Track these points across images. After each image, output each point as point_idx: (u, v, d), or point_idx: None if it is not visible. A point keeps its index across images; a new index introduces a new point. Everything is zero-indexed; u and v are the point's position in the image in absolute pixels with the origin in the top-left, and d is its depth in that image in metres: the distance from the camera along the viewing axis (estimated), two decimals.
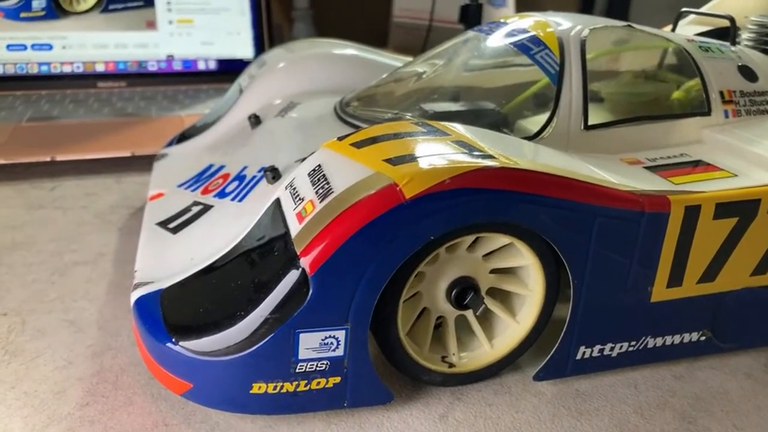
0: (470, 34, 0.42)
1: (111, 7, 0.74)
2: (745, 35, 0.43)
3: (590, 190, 0.26)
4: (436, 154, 0.25)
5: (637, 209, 0.26)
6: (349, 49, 0.50)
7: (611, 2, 1.69)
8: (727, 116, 0.36)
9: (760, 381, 0.30)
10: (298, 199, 0.26)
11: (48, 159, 0.52)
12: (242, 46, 0.80)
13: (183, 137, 0.48)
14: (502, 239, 0.27)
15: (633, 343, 0.29)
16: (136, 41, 0.76)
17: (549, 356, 0.28)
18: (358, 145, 0.27)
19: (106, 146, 0.55)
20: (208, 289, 0.27)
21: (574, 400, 0.28)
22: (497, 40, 0.39)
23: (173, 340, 0.25)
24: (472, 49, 0.41)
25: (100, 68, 0.75)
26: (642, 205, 0.26)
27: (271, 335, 0.24)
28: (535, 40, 0.36)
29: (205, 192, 0.38)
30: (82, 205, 0.46)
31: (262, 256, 0.26)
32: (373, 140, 0.27)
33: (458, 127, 0.29)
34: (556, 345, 0.28)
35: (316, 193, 0.25)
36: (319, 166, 0.27)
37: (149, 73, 0.77)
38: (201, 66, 0.79)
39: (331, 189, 0.25)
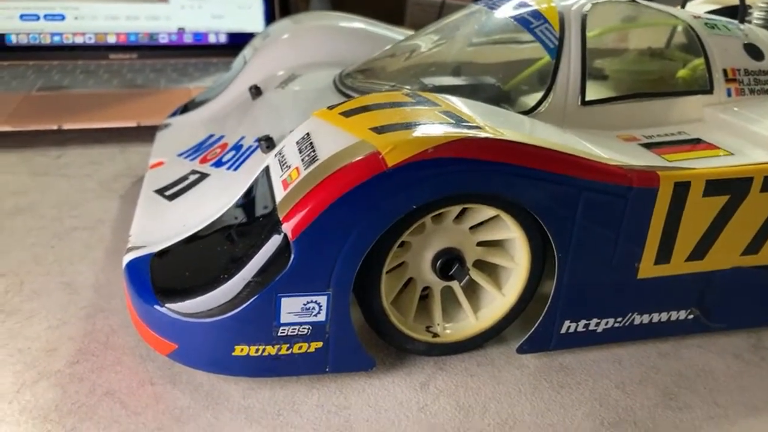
0: (475, 7, 0.41)
1: None
2: (756, 14, 0.42)
3: (577, 163, 0.25)
4: (423, 123, 0.25)
5: (625, 184, 0.26)
6: (355, 23, 0.50)
7: None
8: (729, 95, 0.36)
9: (748, 362, 0.29)
10: (285, 166, 0.26)
11: (55, 127, 0.53)
12: (253, 20, 0.80)
13: (187, 108, 0.48)
14: (488, 211, 0.27)
15: (619, 319, 0.29)
16: (148, 13, 0.77)
17: (533, 329, 0.28)
18: (347, 114, 0.27)
19: (113, 116, 0.56)
20: (195, 253, 0.27)
21: (557, 373, 0.28)
22: (500, 14, 0.38)
23: (160, 301, 0.26)
24: (475, 24, 0.41)
25: (111, 40, 0.76)
26: (630, 180, 0.26)
27: (253, 298, 0.24)
28: (536, 14, 0.36)
29: (203, 161, 0.38)
30: (86, 173, 0.47)
31: (248, 222, 0.26)
32: (363, 109, 0.27)
33: (450, 99, 0.29)
34: (540, 318, 0.28)
35: (302, 160, 0.25)
36: (308, 134, 0.27)
37: (160, 45, 0.77)
38: (211, 39, 0.79)
39: (316, 156, 0.25)
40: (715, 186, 0.27)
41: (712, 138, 0.32)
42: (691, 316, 0.30)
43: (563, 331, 0.28)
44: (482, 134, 0.25)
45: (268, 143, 0.34)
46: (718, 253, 0.29)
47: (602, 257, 0.27)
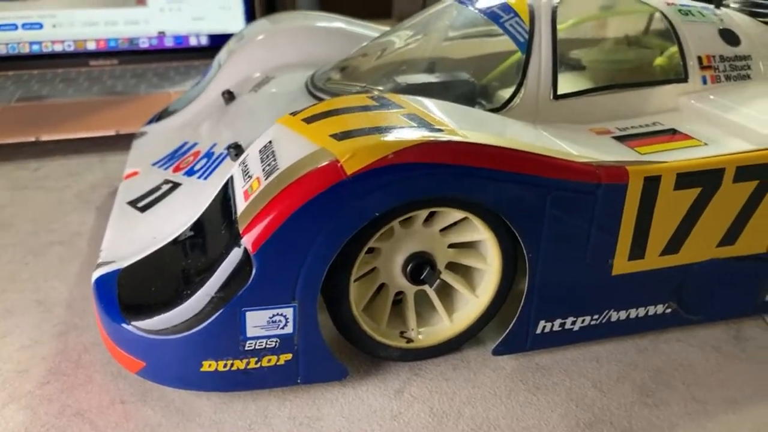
0: (448, 2, 0.40)
1: None
2: None
3: (542, 162, 0.25)
4: (384, 128, 0.25)
5: (593, 181, 0.26)
6: (334, 22, 0.49)
7: None
8: (705, 82, 0.35)
9: (727, 354, 0.29)
10: (247, 176, 0.26)
11: (33, 139, 0.52)
12: (234, 21, 0.79)
13: (163, 114, 0.47)
14: (456, 214, 0.26)
15: (595, 317, 0.29)
16: (127, 18, 0.76)
17: (507, 330, 0.28)
18: (310, 120, 0.27)
19: (91, 125, 0.55)
20: (161, 268, 0.27)
21: (533, 374, 0.28)
22: (471, 8, 0.38)
23: (126, 319, 0.25)
24: (447, 19, 0.40)
25: (91, 46, 0.75)
26: (598, 177, 0.26)
27: (217, 314, 0.24)
28: (506, 8, 0.35)
29: (176, 170, 0.38)
30: (65, 185, 0.47)
31: (212, 235, 0.26)
32: (325, 114, 0.27)
33: (416, 100, 0.28)
34: (514, 319, 0.27)
35: (263, 170, 0.25)
36: (270, 142, 0.27)
37: (141, 50, 0.76)
38: (192, 42, 0.78)
39: (276, 166, 0.24)
40: (686, 179, 0.27)
41: (687, 128, 0.32)
42: (669, 310, 0.30)
43: (539, 331, 0.28)
44: (444, 137, 0.24)
45: (237, 151, 0.33)
46: (693, 245, 0.28)
47: (574, 255, 0.27)
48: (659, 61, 0.36)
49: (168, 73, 0.71)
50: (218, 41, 0.79)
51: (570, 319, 0.28)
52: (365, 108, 0.27)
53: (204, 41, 0.79)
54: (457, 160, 0.24)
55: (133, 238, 0.31)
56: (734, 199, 0.28)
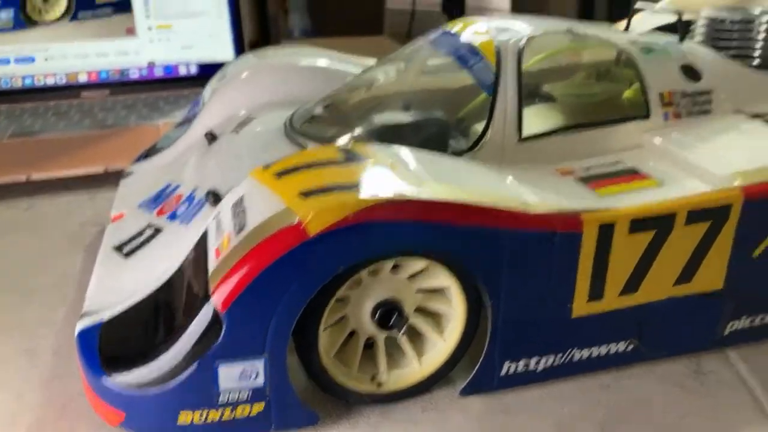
0: (419, 43, 0.42)
1: (80, 15, 0.75)
2: (698, 29, 0.43)
3: (500, 214, 0.26)
4: (348, 185, 0.26)
5: (549, 230, 0.27)
6: (317, 60, 0.50)
7: None
8: (666, 118, 0.36)
9: (688, 388, 0.30)
10: (219, 232, 0.27)
11: (24, 179, 0.54)
12: (222, 49, 0.81)
13: (149, 153, 0.49)
14: (420, 263, 0.27)
15: (558, 356, 0.30)
16: (117, 49, 0.77)
17: (473, 372, 0.29)
18: (280, 174, 0.28)
19: (81, 162, 0.56)
20: (140, 322, 0.28)
21: (500, 415, 0.29)
22: (441, 50, 0.39)
23: (106, 372, 0.27)
24: (420, 60, 0.41)
25: (82, 78, 0.76)
26: (554, 226, 0.27)
27: (191, 368, 0.25)
28: (473, 51, 0.36)
29: (160, 213, 0.39)
30: (54, 225, 0.48)
31: (187, 290, 0.27)
32: (295, 169, 0.28)
33: (382, 151, 0.30)
34: (479, 361, 0.29)
35: (234, 226, 0.26)
36: (242, 197, 0.28)
37: (131, 80, 0.78)
38: (182, 71, 0.80)
39: (245, 224, 0.26)
40: (639, 224, 0.28)
41: (648, 166, 0.33)
42: (630, 347, 0.31)
43: (503, 372, 0.29)
44: (404, 194, 0.25)
45: (215, 198, 0.35)
46: (650, 285, 0.29)
47: (534, 300, 0.28)
48: (622, 98, 0.37)
49: (158, 103, 0.73)
50: (207, 70, 0.80)
51: (534, 360, 0.29)
52: (333, 162, 0.28)
53: (193, 70, 0.80)
54: (416, 216, 0.25)
55: (117, 287, 0.32)
56: (687, 240, 0.29)
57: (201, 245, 0.28)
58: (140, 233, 0.37)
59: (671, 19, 0.50)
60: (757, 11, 0.41)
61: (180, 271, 0.29)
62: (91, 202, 0.52)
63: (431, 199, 0.25)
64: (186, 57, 0.80)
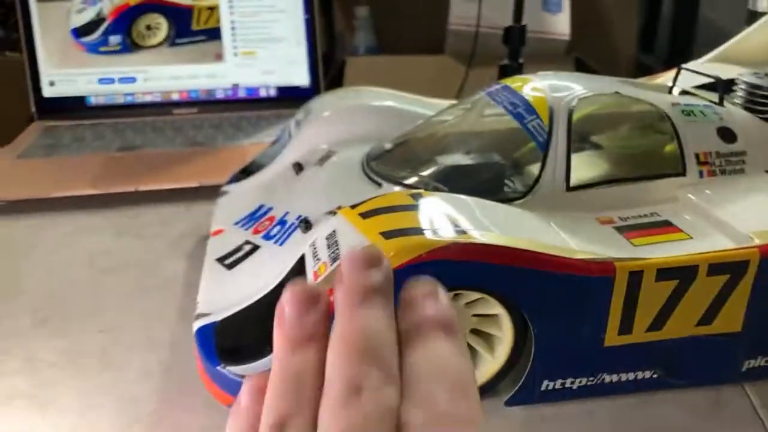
0: (478, 96, 0.48)
1: (177, 41, 0.84)
2: (738, 92, 0.47)
3: (544, 258, 0.32)
4: (420, 229, 0.32)
5: (586, 275, 0.32)
6: (388, 101, 0.56)
7: (678, 2, 1.66)
8: (701, 176, 0.41)
9: (706, 417, 0.35)
10: (316, 258, 0.34)
11: (132, 189, 0.62)
12: (299, 75, 0.88)
13: (241, 174, 0.56)
14: (476, 294, 0.33)
15: (591, 378, 0.35)
16: (206, 72, 0.86)
17: (517, 387, 0.34)
18: (364, 216, 0.34)
19: (180, 177, 0.65)
20: (249, 324, 0.35)
21: (539, 424, 0.34)
22: (500, 104, 0.45)
23: (221, 364, 0.34)
24: (480, 110, 0.47)
25: (175, 97, 0.85)
26: (591, 271, 0.32)
27: None
28: (530, 109, 0.42)
29: (255, 232, 0.46)
30: (158, 233, 0.56)
31: None
32: (375, 212, 0.34)
33: (446, 199, 0.36)
34: (522, 378, 0.34)
35: (329, 256, 0.33)
36: (334, 231, 0.34)
37: (217, 100, 0.86)
38: (263, 93, 0.88)
39: (339, 255, 0.32)
40: (665, 273, 0.33)
41: (680, 219, 0.38)
42: (655, 375, 0.36)
43: (543, 388, 0.35)
44: (467, 239, 0.31)
45: (306, 225, 0.41)
46: (674, 325, 0.34)
47: (571, 331, 0.33)
48: (661, 156, 0.42)
49: (241, 123, 0.81)
50: (286, 92, 0.88)
51: (569, 379, 0.35)
52: (407, 207, 0.34)
53: (273, 92, 0.88)
54: (477, 258, 0.31)
55: (224, 293, 0.39)
56: (708, 289, 0.34)
57: (300, 265, 0.35)
58: (239, 248, 0.45)
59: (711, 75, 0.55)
60: None
61: (282, 284, 0.36)
62: (188, 213, 0.60)
63: (489, 243, 0.31)
64: (266, 81, 0.88)
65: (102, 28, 0.81)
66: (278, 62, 0.88)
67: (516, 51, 0.96)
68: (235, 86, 0.87)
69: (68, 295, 0.46)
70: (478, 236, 0.32)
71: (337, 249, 0.33)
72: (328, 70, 1.45)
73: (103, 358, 0.40)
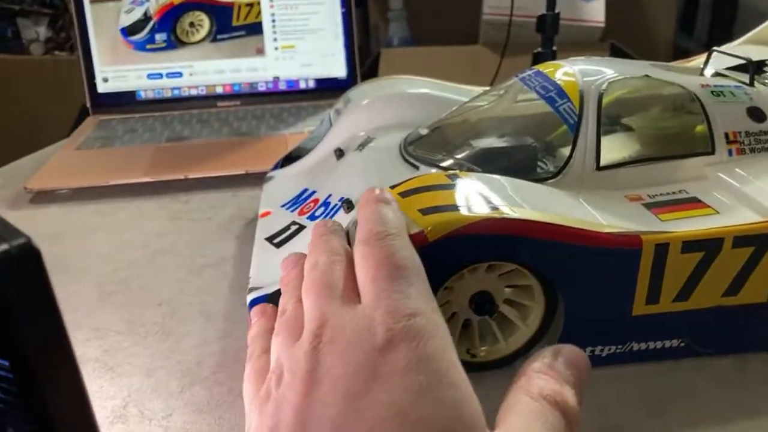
0: (512, 81, 0.50)
1: (219, 37, 0.88)
2: None
3: (573, 232, 0.34)
4: (456, 206, 0.34)
5: (615, 247, 0.34)
6: (424, 88, 0.59)
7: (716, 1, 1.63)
8: (731, 154, 0.42)
9: (732, 383, 0.36)
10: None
11: (182, 177, 0.66)
12: (337, 67, 0.91)
13: (285, 161, 0.59)
14: (509, 266, 0.35)
15: (619, 346, 0.37)
16: (248, 66, 0.90)
17: None
18: (404, 194, 0.37)
19: (226, 165, 0.68)
20: None
21: None
22: (532, 88, 0.47)
23: None
24: (513, 94, 0.49)
25: (219, 90, 0.89)
26: (618, 244, 0.34)
27: None
28: (561, 93, 0.44)
29: (301, 213, 0.49)
30: (208, 217, 0.60)
31: None
32: (414, 191, 0.37)
33: (480, 178, 0.38)
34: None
35: None
36: None
37: (259, 92, 0.90)
38: (302, 85, 0.91)
39: None
40: (690, 245, 0.35)
41: (708, 196, 0.39)
42: (682, 344, 0.37)
43: None
44: (501, 214, 0.34)
45: (348, 205, 0.44)
46: (700, 295, 0.36)
47: (600, 301, 0.35)
48: (690, 135, 0.44)
49: (282, 114, 0.84)
50: (324, 84, 0.92)
51: (599, 348, 0.37)
52: (443, 186, 0.37)
53: (312, 84, 0.91)
54: (509, 232, 0.33)
55: (274, 269, 0.42)
56: (733, 261, 0.35)
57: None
58: (287, 228, 0.48)
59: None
60: None
61: None
62: (235, 199, 0.63)
63: (520, 218, 0.33)
64: (306, 73, 0.91)
65: (149, 26, 0.85)
66: (316, 55, 0.91)
67: (549, 39, 0.97)
68: (276, 79, 0.90)
69: (129, 273, 0.50)
70: (509, 212, 0.34)
71: None
72: (364, 62, 1.48)
73: (164, 328, 0.43)
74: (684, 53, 1.64)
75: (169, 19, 0.86)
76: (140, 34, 0.85)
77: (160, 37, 0.86)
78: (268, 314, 0.36)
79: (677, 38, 1.67)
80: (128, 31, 0.85)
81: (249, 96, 0.89)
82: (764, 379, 0.37)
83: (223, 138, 0.76)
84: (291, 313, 0.31)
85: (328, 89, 0.90)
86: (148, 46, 0.86)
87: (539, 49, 0.99)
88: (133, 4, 0.85)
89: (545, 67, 0.48)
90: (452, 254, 0.33)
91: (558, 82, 0.45)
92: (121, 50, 0.86)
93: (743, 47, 0.61)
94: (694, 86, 0.44)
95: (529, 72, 0.49)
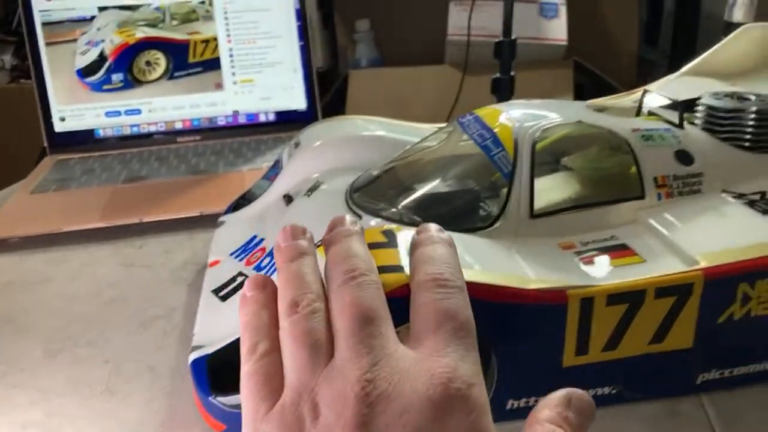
0: (452, 126, 0.51)
1: (176, 74, 0.88)
2: (698, 113, 0.49)
3: (502, 291, 0.35)
4: (390, 267, 0.35)
5: (541, 303, 0.35)
6: (377, 130, 0.59)
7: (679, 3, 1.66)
8: (660, 198, 0.44)
9: (661, 427, 0.38)
10: None
11: (137, 221, 0.66)
12: (296, 99, 0.92)
13: (238, 204, 0.60)
14: None
15: None
16: (207, 101, 0.90)
17: None
18: None
19: (182, 207, 0.68)
20: (237, 357, 0.38)
21: None
22: (468, 136, 0.47)
23: (213, 395, 0.37)
24: (455, 140, 0.50)
25: (178, 125, 0.90)
26: (546, 300, 0.35)
27: None
28: (496, 142, 0.45)
29: (248, 263, 0.49)
30: (161, 263, 0.60)
31: None
32: None
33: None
34: (489, 398, 0.37)
35: None
36: None
37: (219, 127, 0.90)
38: (262, 118, 0.92)
39: None
40: (615, 297, 0.36)
41: (637, 242, 0.41)
42: (614, 391, 0.38)
43: (508, 407, 0.38)
44: None
45: None
46: (628, 344, 0.37)
47: (531, 355, 0.36)
48: (621, 180, 0.45)
49: (242, 148, 0.84)
50: (284, 116, 0.92)
51: (533, 398, 0.38)
52: (379, 245, 0.37)
53: (271, 117, 0.92)
54: None
55: (218, 325, 0.43)
56: (657, 311, 0.36)
57: None
58: (233, 279, 0.48)
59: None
60: (751, 98, 0.48)
61: None
62: (190, 242, 0.63)
63: None
64: (265, 106, 0.92)
65: (105, 67, 0.85)
66: (276, 88, 0.91)
67: (507, 65, 0.99)
68: (236, 113, 0.91)
69: (77, 328, 0.50)
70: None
71: None
72: (332, 83, 1.49)
73: (109, 387, 0.43)
74: (649, 64, 1.67)
75: (125, 59, 0.86)
76: (96, 75, 0.85)
77: (116, 77, 0.87)
78: (268, 291, 0.30)
79: (641, 50, 1.70)
80: (84, 73, 0.85)
81: (209, 131, 0.89)
82: (695, 420, 0.38)
83: (181, 176, 0.76)
84: (313, 317, 0.27)
85: (288, 121, 0.91)
86: (105, 87, 0.86)
87: (497, 75, 1.01)
88: (88, 45, 0.85)
89: (484, 113, 0.49)
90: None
91: (494, 129, 0.46)
92: (78, 91, 0.86)
93: (682, 80, 0.63)
94: (626, 131, 0.46)
95: (469, 117, 0.50)
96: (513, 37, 0.98)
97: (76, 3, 0.86)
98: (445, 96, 1.34)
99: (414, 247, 0.31)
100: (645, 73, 1.64)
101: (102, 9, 0.87)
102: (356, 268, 0.28)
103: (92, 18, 0.87)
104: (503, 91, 0.99)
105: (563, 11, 1.50)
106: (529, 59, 1.23)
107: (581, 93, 1.38)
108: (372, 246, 0.37)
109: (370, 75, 1.59)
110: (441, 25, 1.50)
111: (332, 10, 1.66)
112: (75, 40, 0.86)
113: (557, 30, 1.51)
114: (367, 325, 0.26)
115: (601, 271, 0.38)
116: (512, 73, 1.00)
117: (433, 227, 0.31)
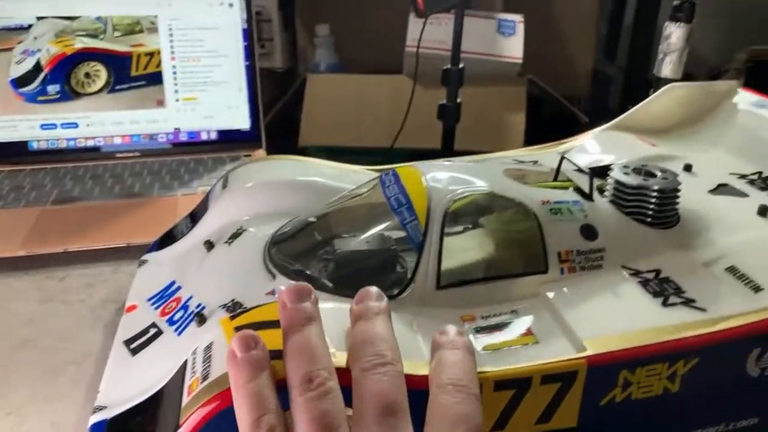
0: (374, 182, 0.51)
1: (117, 87, 0.87)
2: (608, 185, 0.51)
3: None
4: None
5: (426, 388, 0.36)
6: (311, 175, 0.59)
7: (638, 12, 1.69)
8: (562, 273, 0.45)
9: None
10: (193, 370, 0.37)
11: (61, 250, 0.65)
12: (240, 119, 0.91)
13: (162, 242, 0.59)
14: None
15: None
16: (148, 117, 0.89)
17: None
18: (238, 329, 0.38)
19: (109, 236, 0.67)
20: (136, 425, 0.38)
21: None
22: (386, 197, 0.48)
23: None
24: (377, 196, 0.51)
25: (117, 141, 0.88)
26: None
27: None
28: (410, 210, 0.46)
29: (162, 314, 0.49)
30: (81, 299, 0.59)
31: (164, 413, 0.37)
32: (250, 327, 0.38)
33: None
34: None
35: (202, 371, 0.36)
36: (211, 344, 0.38)
37: (159, 144, 0.89)
38: (204, 137, 0.91)
39: (209, 373, 0.36)
40: (502, 384, 0.37)
41: (535, 320, 0.42)
42: None
43: None
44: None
45: (200, 319, 0.45)
46: (515, 424, 0.38)
47: None
48: (527, 254, 0.46)
49: (180, 169, 0.84)
50: (226, 136, 0.91)
51: None
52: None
53: (214, 136, 0.91)
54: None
55: (124, 383, 0.43)
56: (543, 395, 0.38)
57: (180, 374, 0.38)
58: (146, 331, 0.48)
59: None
60: (657, 174, 0.50)
61: (165, 389, 0.39)
62: (114, 275, 0.63)
63: (341, 365, 0.35)
64: (207, 125, 0.91)
65: (40, 77, 0.83)
66: (219, 107, 0.91)
67: (454, 93, 1.00)
68: (177, 130, 0.90)
69: None
70: (340, 357, 0.35)
71: (209, 366, 0.36)
72: (290, 85, 1.48)
73: None
74: (606, 79, 1.71)
75: (62, 70, 0.84)
76: (31, 86, 0.83)
77: (52, 88, 0.84)
78: (260, 351, 0.32)
79: (600, 65, 1.73)
80: (18, 83, 0.83)
81: (149, 148, 0.88)
82: None
83: (114, 199, 0.75)
84: (328, 397, 0.30)
85: (231, 141, 0.90)
86: (40, 98, 0.84)
87: (444, 101, 1.02)
88: (24, 55, 0.83)
89: (405, 173, 0.50)
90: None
91: (410, 196, 0.47)
92: (12, 101, 0.84)
93: (605, 135, 0.65)
94: (536, 204, 0.47)
95: (391, 176, 0.50)
96: (460, 66, 0.99)
97: (13, 11, 0.84)
98: (400, 107, 1.35)
99: (435, 347, 0.34)
100: (601, 88, 1.68)
101: (40, 18, 0.84)
102: (383, 355, 0.31)
103: (30, 27, 0.84)
104: (449, 119, 1.00)
105: (521, 29, 1.52)
106: (485, 75, 1.25)
107: (536, 110, 1.41)
108: (274, 324, 0.37)
109: (328, 80, 1.59)
110: (402, 35, 1.50)
111: (293, 13, 1.65)
112: (11, 49, 0.84)
113: (513, 48, 1.53)
114: (391, 417, 0.29)
115: (493, 351, 0.39)
116: (459, 100, 1.01)
117: (452, 331, 0.34)
